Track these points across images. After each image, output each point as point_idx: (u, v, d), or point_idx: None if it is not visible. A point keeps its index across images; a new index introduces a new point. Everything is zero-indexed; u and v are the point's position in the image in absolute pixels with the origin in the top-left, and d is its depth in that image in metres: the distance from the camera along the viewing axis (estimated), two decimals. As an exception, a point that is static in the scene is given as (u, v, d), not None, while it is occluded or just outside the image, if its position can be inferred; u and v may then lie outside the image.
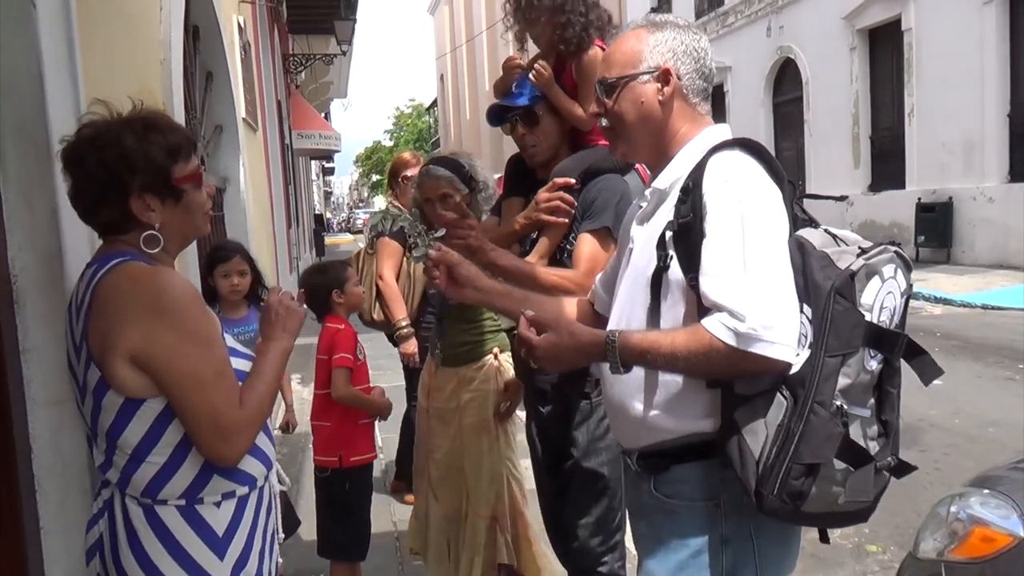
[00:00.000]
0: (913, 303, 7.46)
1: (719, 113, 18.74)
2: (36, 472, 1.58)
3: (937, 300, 9.39)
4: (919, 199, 12.00)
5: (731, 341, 1.31)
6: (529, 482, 2.89)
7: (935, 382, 1.43)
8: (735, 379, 1.37)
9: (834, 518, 1.42)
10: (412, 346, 3.82)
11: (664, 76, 1.54)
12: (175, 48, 3.12)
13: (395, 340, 3.90)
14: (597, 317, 1.79)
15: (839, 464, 1.33)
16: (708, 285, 1.36)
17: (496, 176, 3.09)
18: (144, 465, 1.45)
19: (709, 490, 1.47)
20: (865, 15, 13.27)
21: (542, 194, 2.28)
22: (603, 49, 2.25)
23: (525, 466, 2.91)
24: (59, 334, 1.55)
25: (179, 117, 3.07)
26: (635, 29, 1.60)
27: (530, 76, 2.41)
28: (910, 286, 1.43)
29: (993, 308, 8.70)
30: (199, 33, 4.30)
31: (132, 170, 1.45)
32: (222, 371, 1.46)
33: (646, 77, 1.54)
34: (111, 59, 2.27)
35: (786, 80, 16.13)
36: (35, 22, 1.61)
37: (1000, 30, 10.70)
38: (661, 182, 1.56)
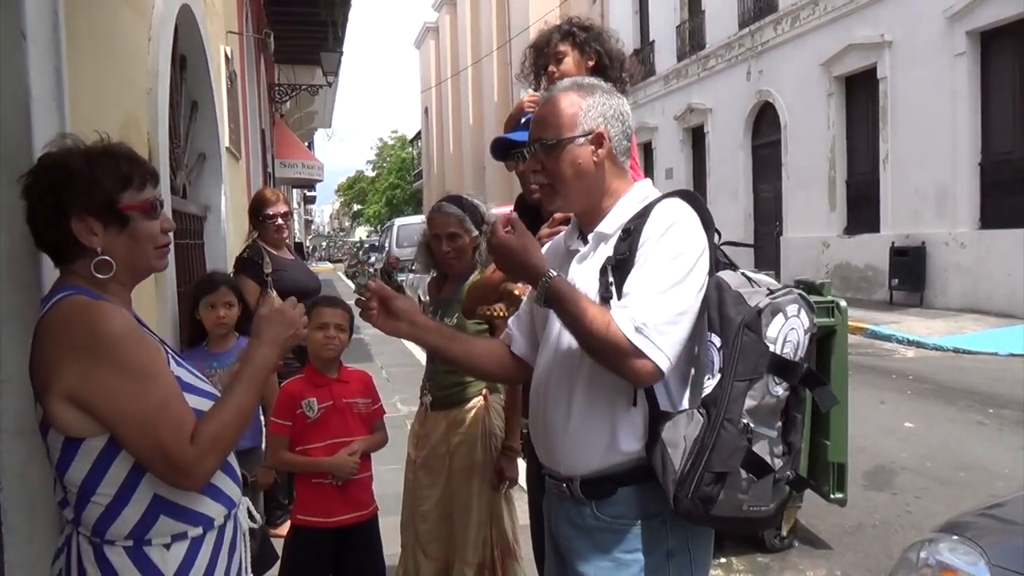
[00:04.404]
0: (886, 345, 7.58)
1: (699, 153, 19.06)
2: (3, 504, 1.56)
3: (910, 343, 9.51)
4: (893, 243, 12.21)
5: (627, 331, 1.49)
6: (523, 518, 2.88)
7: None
8: (658, 397, 1.57)
9: (739, 523, 1.58)
10: None
11: (598, 139, 1.68)
12: (162, 78, 3.13)
13: None
14: (513, 358, 1.89)
15: (744, 474, 1.52)
16: (625, 301, 1.54)
17: (500, 210, 3.14)
18: (90, 504, 1.42)
19: (655, 508, 1.61)
20: (842, 63, 13.61)
21: (544, 230, 2.31)
22: None
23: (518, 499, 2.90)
24: (33, 364, 1.53)
25: (163, 146, 3.08)
26: (566, 92, 1.72)
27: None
28: (814, 325, 1.63)
29: (965, 352, 8.83)
30: (186, 63, 4.33)
31: (75, 192, 1.45)
32: (165, 404, 1.41)
33: (582, 140, 1.67)
34: (99, 89, 2.28)
35: (765, 123, 16.45)
36: (24, 53, 1.63)
37: (971, 82, 11.02)
38: (606, 227, 1.70)
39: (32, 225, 1.50)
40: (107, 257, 1.48)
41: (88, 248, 1.47)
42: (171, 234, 1.62)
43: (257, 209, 4.12)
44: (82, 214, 1.46)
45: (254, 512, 1.67)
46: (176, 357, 1.59)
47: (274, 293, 3.92)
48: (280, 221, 4.09)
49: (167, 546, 1.46)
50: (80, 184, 1.46)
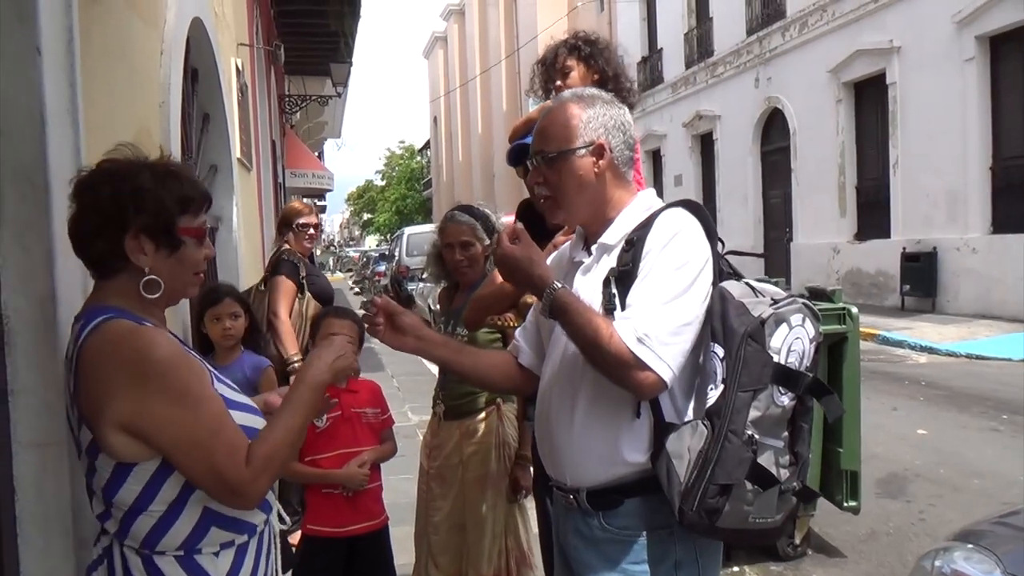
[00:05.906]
0: (898, 351, 7.53)
1: (708, 160, 19.03)
2: (18, 515, 1.57)
3: (922, 349, 9.46)
4: (904, 248, 12.15)
5: (630, 342, 1.49)
6: (534, 525, 2.88)
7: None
8: (664, 408, 1.56)
9: (745, 534, 1.56)
10: None
11: (599, 150, 1.68)
12: (174, 91, 3.16)
13: (287, 375, 3.90)
14: (521, 370, 1.89)
15: (749, 485, 1.50)
16: (628, 313, 1.54)
17: (508, 219, 3.13)
18: (142, 517, 1.42)
19: (662, 519, 1.59)
20: (850, 69, 13.58)
21: (559, 237, 2.30)
22: None
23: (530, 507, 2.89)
24: (48, 376, 1.54)
25: (175, 158, 3.09)
26: (567, 104, 1.72)
27: None
28: (820, 334, 1.61)
29: (977, 358, 8.77)
30: (198, 75, 4.37)
31: (139, 208, 1.42)
32: (218, 428, 1.40)
33: (583, 151, 1.67)
34: (112, 102, 2.30)
35: (774, 130, 16.42)
36: (40, 68, 1.65)
37: (981, 86, 10.98)
38: (609, 238, 1.70)
39: (76, 231, 1.46)
40: (155, 277, 1.45)
41: (133, 266, 1.45)
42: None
43: (290, 219, 4.38)
44: (138, 232, 1.43)
45: (284, 515, 1.69)
46: (216, 374, 1.57)
47: (309, 296, 4.14)
48: (312, 231, 4.39)
49: (216, 554, 1.47)
50: (146, 201, 1.43)
